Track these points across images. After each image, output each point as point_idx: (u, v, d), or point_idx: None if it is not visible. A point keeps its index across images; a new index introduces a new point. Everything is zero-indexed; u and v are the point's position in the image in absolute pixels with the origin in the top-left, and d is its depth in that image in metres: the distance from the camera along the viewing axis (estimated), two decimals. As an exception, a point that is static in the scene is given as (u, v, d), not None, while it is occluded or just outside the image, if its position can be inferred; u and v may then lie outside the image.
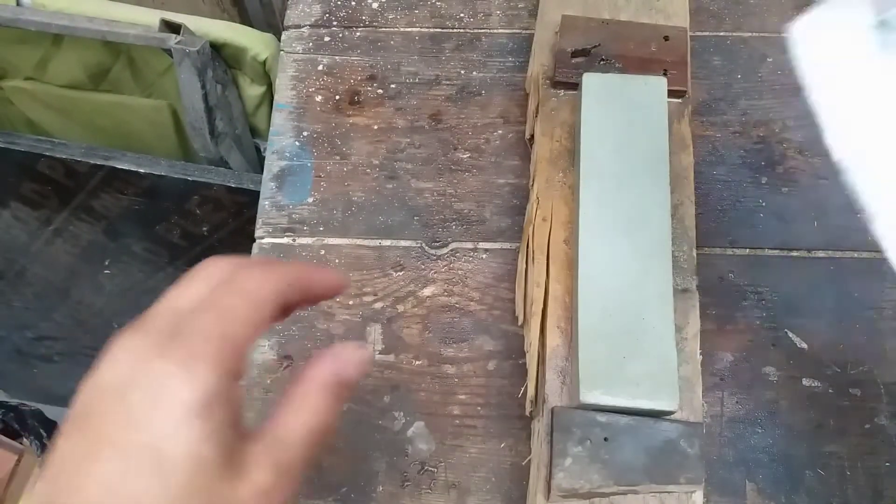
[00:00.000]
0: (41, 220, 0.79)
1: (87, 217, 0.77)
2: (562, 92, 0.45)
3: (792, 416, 0.41)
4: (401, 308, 0.44)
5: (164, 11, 0.63)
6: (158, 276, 0.84)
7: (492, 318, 0.44)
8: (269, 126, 0.50)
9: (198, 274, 0.25)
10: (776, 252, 0.38)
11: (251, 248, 0.47)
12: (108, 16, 0.63)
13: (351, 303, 0.45)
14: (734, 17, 0.52)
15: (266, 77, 0.67)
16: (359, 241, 0.46)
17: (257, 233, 0.47)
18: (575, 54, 0.45)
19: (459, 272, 0.45)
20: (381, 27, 0.53)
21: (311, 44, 0.53)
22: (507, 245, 0.46)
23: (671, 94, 0.43)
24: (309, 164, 0.49)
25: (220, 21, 0.64)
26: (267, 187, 0.48)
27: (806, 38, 0.30)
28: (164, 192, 0.69)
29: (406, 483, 0.41)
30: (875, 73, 0.28)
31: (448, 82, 0.51)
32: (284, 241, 0.47)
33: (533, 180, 0.44)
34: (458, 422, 0.42)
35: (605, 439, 0.36)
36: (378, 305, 0.45)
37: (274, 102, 0.51)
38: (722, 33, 0.52)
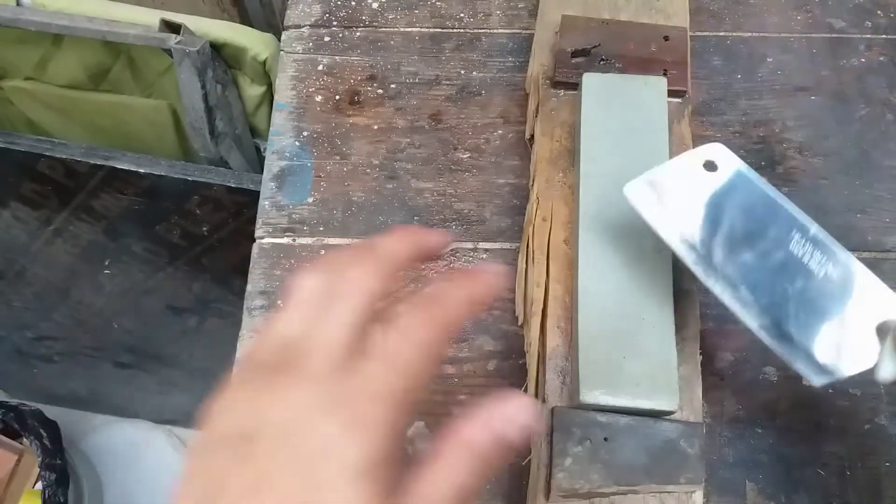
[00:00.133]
0: (41, 220, 0.79)
1: (87, 217, 0.77)
2: (562, 92, 0.45)
3: (792, 416, 0.41)
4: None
5: (164, 11, 0.63)
6: (158, 276, 0.84)
7: (492, 318, 0.44)
8: (269, 126, 0.50)
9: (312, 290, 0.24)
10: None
11: (251, 248, 0.47)
12: (108, 16, 0.63)
13: (351, 303, 0.45)
14: (734, 17, 0.52)
15: (266, 77, 0.67)
16: (359, 241, 0.46)
17: (257, 233, 0.47)
18: (575, 54, 0.45)
19: (459, 272, 0.45)
20: (381, 27, 0.53)
21: (311, 44, 0.53)
22: (507, 245, 0.46)
23: (671, 94, 0.43)
24: (309, 164, 0.49)
25: (220, 21, 0.64)
26: (267, 187, 0.48)
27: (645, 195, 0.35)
28: (164, 192, 0.69)
29: (406, 483, 0.41)
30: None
31: (448, 82, 0.51)
32: (284, 241, 0.47)
33: (533, 180, 0.44)
34: (458, 422, 0.42)
35: (605, 439, 0.36)
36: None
37: (274, 102, 0.51)
38: (722, 33, 0.52)
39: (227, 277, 0.82)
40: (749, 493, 0.40)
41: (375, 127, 0.50)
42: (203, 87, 0.62)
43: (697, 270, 0.34)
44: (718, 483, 0.40)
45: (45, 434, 1.10)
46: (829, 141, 0.48)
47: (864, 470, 0.40)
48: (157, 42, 0.61)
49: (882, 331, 0.32)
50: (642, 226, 0.36)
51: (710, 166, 0.35)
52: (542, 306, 0.40)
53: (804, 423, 0.41)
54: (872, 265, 0.45)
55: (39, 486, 1.10)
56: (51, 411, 1.17)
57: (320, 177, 0.48)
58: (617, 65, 0.45)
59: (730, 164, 0.35)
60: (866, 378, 0.32)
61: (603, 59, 0.45)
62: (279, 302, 0.30)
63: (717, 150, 0.36)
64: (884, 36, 0.51)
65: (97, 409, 1.32)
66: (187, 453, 0.23)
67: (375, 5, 0.54)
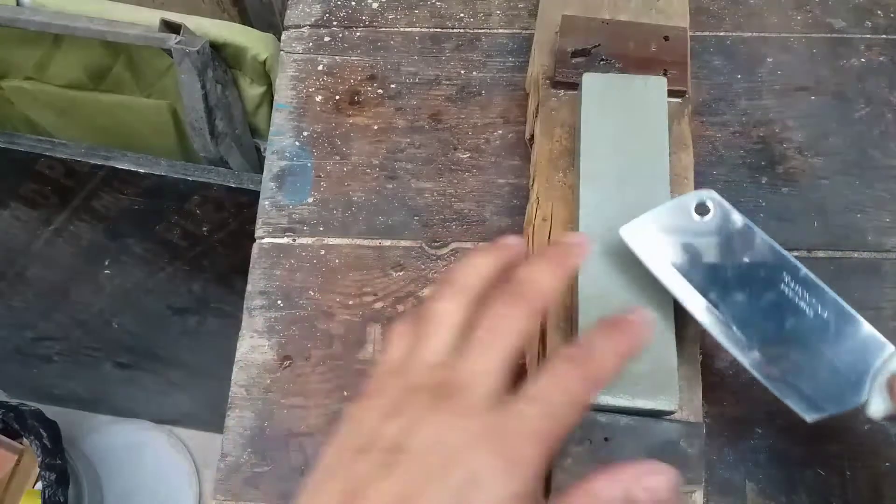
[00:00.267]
0: (41, 220, 0.79)
1: (87, 217, 0.77)
2: (562, 92, 0.45)
3: (792, 416, 0.41)
4: (401, 308, 0.45)
5: (164, 11, 0.63)
6: (158, 276, 0.84)
7: (492, 318, 0.44)
8: (269, 126, 0.50)
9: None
10: (776, 252, 0.38)
11: (251, 248, 0.47)
12: (108, 16, 0.63)
13: (351, 303, 0.45)
14: (734, 17, 0.52)
15: (266, 77, 0.67)
16: (359, 241, 0.46)
17: (257, 233, 0.47)
18: (575, 54, 0.45)
19: (459, 272, 0.45)
20: (381, 27, 0.53)
21: (311, 44, 0.53)
22: (507, 245, 0.46)
23: (671, 94, 0.43)
24: (309, 164, 0.49)
25: (220, 21, 0.64)
26: (267, 187, 0.48)
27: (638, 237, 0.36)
28: (164, 192, 0.69)
29: (406, 483, 0.41)
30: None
31: (448, 82, 0.51)
32: (284, 241, 0.47)
33: (533, 180, 0.44)
34: (458, 422, 0.42)
35: (605, 439, 0.36)
36: (378, 305, 0.45)
37: (274, 102, 0.51)
38: (722, 33, 0.52)
39: (227, 277, 0.82)
40: (749, 493, 0.40)
41: (375, 127, 0.50)
42: (203, 87, 0.62)
43: (693, 309, 0.36)
44: (718, 483, 0.40)
45: (45, 434, 1.10)
46: (829, 141, 0.48)
47: (864, 470, 0.40)
48: (157, 42, 0.61)
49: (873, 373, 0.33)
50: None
51: (702, 210, 0.37)
52: (542, 306, 0.40)
53: (804, 423, 0.41)
54: (872, 265, 0.45)
55: (39, 486, 1.10)
56: (51, 411, 1.17)
57: (320, 177, 0.48)
58: (617, 65, 0.45)
59: (721, 207, 0.37)
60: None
61: (603, 59, 0.45)
62: (415, 314, 0.30)
63: (708, 195, 0.37)
64: (884, 36, 0.51)
65: (97, 409, 1.32)
66: (328, 443, 0.24)
67: (375, 5, 0.54)
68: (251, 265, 0.46)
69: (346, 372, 0.43)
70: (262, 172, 0.49)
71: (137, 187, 0.70)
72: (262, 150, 0.73)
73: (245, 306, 0.45)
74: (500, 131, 0.49)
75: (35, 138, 0.70)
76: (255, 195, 0.48)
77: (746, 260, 0.36)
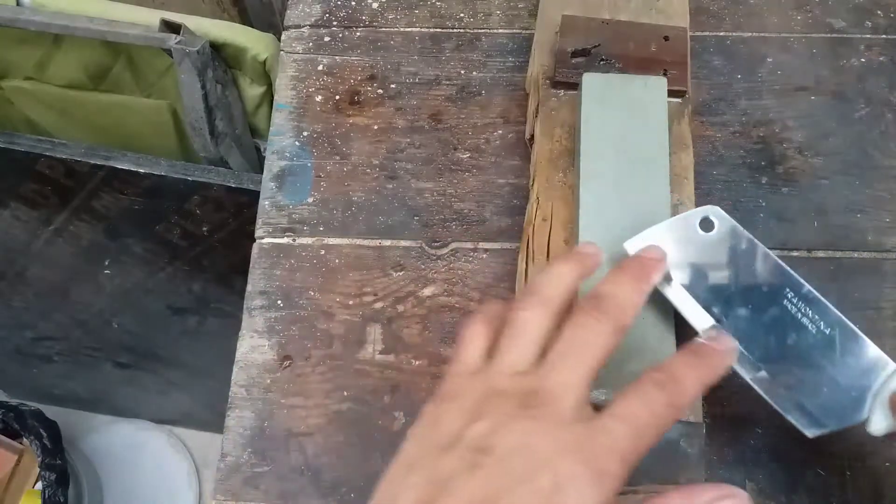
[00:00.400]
0: (41, 220, 0.79)
1: (87, 217, 0.77)
2: (562, 92, 0.45)
3: (792, 416, 0.41)
4: (401, 308, 0.45)
5: (164, 11, 0.63)
6: (158, 277, 0.84)
7: (492, 318, 0.44)
8: (269, 126, 0.50)
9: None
10: (776, 252, 0.38)
11: (251, 248, 0.47)
12: (108, 16, 0.63)
13: (351, 303, 0.45)
14: (734, 17, 0.52)
15: (266, 77, 0.67)
16: (359, 241, 0.46)
17: (257, 233, 0.47)
18: (575, 54, 0.45)
19: (459, 272, 0.45)
20: (381, 27, 0.53)
21: (311, 44, 0.53)
22: (507, 245, 0.46)
23: (671, 94, 0.43)
24: (309, 164, 0.49)
25: (220, 21, 0.64)
26: (267, 187, 0.48)
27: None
28: (164, 192, 0.69)
29: (406, 483, 0.41)
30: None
31: (448, 82, 0.51)
32: (284, 241, 0.47)
33: (533, 180, 0.44)
34: (458, 422, 0.42)
35: (605, 439, 0.36)
36: (378, 305, 0.45)
37: (274, 102, 0.51)
38: (722, 33, 0.52)
39: (227, 277, 0.82)
40: (749, 493, 0.40)
41: (375, 127, 0.50)
42: (203, 87, 0.62)
43: (697, 325, 0.36)
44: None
45: (45, 434, 1.10)
46: (829, 141, 0.48)
47: (864, 470, 0.40)
48: (157, 42, 0.61)
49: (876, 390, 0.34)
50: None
51: (707, 225, 0.37)
52: (542, 306, 0.40)
53: (804, 423, 0.41)
54: (872, 265, 0.45)
55: (39, 486, 1.10)
56: (51, 411, 1.17)
57: (320, 177, 0.48)
58: (617, 65, 0.45)
59: (725, 223, 0.37)
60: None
61: (603, 59, 0.45)
62: (488, 315, 0.30)
63: (712, 211, 0.37)
64: (884, 36, 0.51)
65: (97, 409, 1.32)
66: (407, 440, 0.25)
67: (375, 5, 0.54)
68: (251, 265, 0.46)
69: (346, 372, 0.43)
70: (262, 172, 0.49)
71: (137, 187, 0.70)
72: (262, 150, 0.73)
73: (245, 306, 0.45)
74: (500, 131, 0.49)
75: (35, 138, 0.70)
76: (255, 195, 0.48)
77: (750, 275, 0.36)
